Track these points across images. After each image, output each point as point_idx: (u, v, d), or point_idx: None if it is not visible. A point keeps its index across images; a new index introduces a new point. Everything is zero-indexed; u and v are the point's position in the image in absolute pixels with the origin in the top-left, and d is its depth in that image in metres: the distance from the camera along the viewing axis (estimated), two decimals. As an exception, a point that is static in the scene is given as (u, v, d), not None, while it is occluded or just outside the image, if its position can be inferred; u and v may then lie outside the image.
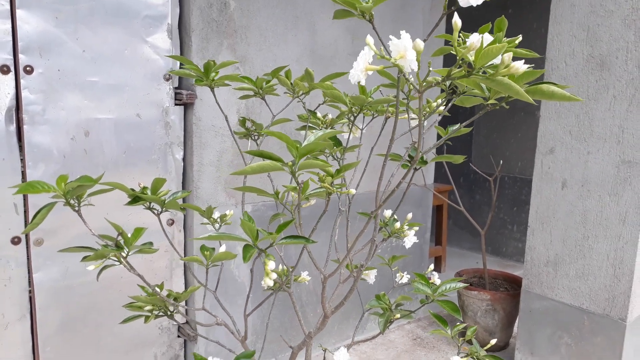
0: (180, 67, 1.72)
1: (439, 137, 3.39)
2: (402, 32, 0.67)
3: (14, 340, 1.54)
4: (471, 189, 4.15)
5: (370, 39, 0.73)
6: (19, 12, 1.41)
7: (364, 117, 1.21)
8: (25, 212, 1.51)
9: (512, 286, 2.52)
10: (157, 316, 1.04)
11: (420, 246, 2.65)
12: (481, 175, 3.94)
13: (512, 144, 3.80)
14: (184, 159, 1.82)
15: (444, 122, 4.15)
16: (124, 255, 0.88)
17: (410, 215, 1.26)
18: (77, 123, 1.56)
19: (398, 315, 1.16)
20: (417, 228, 1.22)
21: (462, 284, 1.08)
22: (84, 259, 0.86)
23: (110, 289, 1.70)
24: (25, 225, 1.52)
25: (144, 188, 0.93)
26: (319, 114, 1.29)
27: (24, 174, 1.49)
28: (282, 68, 1.20)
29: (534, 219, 2.06)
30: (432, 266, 1.44)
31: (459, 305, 2.46)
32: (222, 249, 1.13)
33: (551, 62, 1.96)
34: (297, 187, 0.88)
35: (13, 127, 1.46)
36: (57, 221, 1.55)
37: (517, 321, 2.31)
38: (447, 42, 2.78)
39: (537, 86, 0.67)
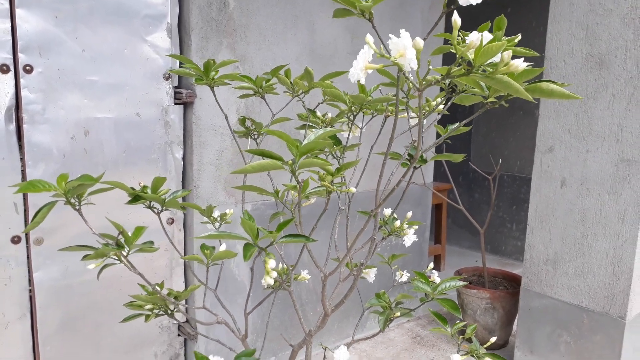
0: (180, 66, 1.73)
1: (438, 136, 3.40)
2: (402, 31, 0.67)
3: (15, 340, 1.54)
4: (470, 187, 4.15)
5: (370, 38, 0.73)
6: (18, 11, 1.41)
7: (363, 116, 1.22)
8: (25, 211, 1.51)
9: (511, 284, 2.52)
10: (157, 315, 1.05)
11: (420, 245, 2.66)
12: (480, 174, 3.95)
13: (511, 142, 3.81)
14: (183, 158, 1.82)
15: (443, 122, 4.15)
16: (125, 254, 0.88)
17: (410, 214, 1.26)
18: (76, 122, 1.56)
19: (398, 314, 1.16)
20: (416, 227, 1.22)
21: (461, 282, 1.08)
22: (85, 257, 0.87)
23: (110, 288, 1.70)
24: (25, 224, 1.52)
25: (144, 187, 0.93)
26: (318, 113, 1.29)
27: (23, 173, 1.49)
28: (281, 67, 1.20)
29: (533, 217, 2.06)
30: (431, 264, 1.44)
31: (459, 304, 2.47)
32: (223, 247, 1.13)
33: (550, 61, 1.96)
34: (298, 186, 0.88)
35: (13, 127, 1.46)
36: (57, 220, 1.55)
37: (516, 319, 2.31)
38: (446, 41, 2.78)
39: (536, 84, 0.68)
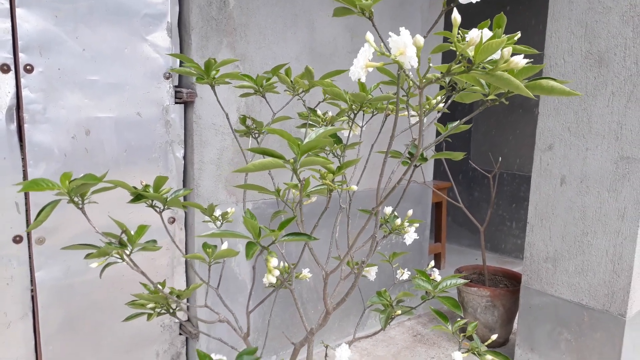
0: (180, 66, 1.73)
1: (438, 134, 3.40)
2: (402, 29, 0.68)
3: (17, 339, 1.55)
4: (470, 186, 4.16)
5: (370, 36, 0.74)
6: (18, 11, 1.41)
7: (363, 114, 1.22)
8: (27, 211, 1.52)
9: (511, 282, 2.53)
10: (159, 314, 1.05)
11: (420, 243, 2.66)
12: (480, 172, 3.95)
13: (510, 140, 3.81)
14: (184, 157, 1.82)
15: (443, 121, 4.15)
16: (128, 252, 0.88)
17: (410, 212, 1.27)
18: (77, 122, 1.56)
19: (399, 312, 1.16)
20: (417, 225, 1.23)
21: (462, 280, 1.09)
22: (87, 256, 0.87)
23: (111, 288, 1.71)
24: (27, 224, 1.52)
25: (146, 186, 0.94)
26: (319, 112, 1.29)
27: (25, 172, 1.49)
28: (282, 66, 1.20)
29: (533, 215, 2.07)
30: (432, 262, 1.44)
31: (459, 302, 2.47)
32: (224, 246, 1.14)
33: (549, 59, 1.97)
34: (299, 184, 0.89)
35: (14, 126, 1.46)
36: (58, 220, 1.56)
37: (516, 317, 2.32)
38: (445, 40, 2.78)
39: (536, 81, 0.68)
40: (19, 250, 1.51)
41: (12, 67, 1.43)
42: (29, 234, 1.52)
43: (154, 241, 0.92)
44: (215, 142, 1.84)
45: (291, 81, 1.21)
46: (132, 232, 0.91)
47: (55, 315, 1.60)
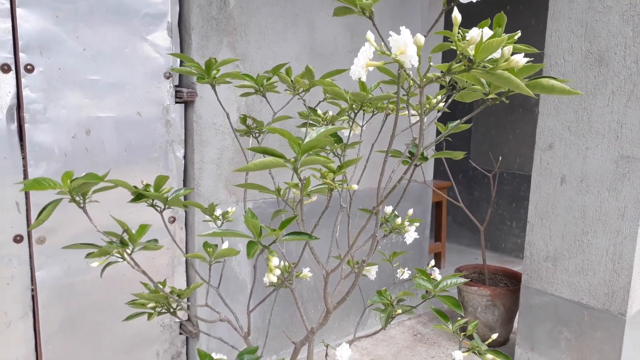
0: (180, 65, 1.73)
1: (438, 133, 3.40)
2: (402, 28, 0.68)
3: (17, 339, 1.55)
4: (470, 185, 4.16)
5: (370, 35, 0.74)
6: (19, 11, 1.41)
7: (364, 114, 1.22)
8: (27, 210, 1.52)
9: (511, 282, 2.53)
10: (160, 313, 1.05)
11: (420, 242, 2.66)
12: (480, 171, 3.95)
13: (510, 140, 3.81)
14: (184, 157, 1.82)
15: (443, 120, 4.16)
16: (129, 252, 0.88)
17: (411, 211, 1.27)
18: (78, 121, 1.56)
19: (400, 311, 1.16)
20: (417, 224, 1.23)
21: (462, 280, 1.09)
22: (88, 255, 0.87)
23: (112, 287, 1.71)
24: (28, 223, 1.52)
25: (147, 185, 0.94)
26: (319, 111, 1.30)
27: (25, 172, 1.49)
28: (282, 65, 1.20)
29: (533, 214, 2.07)
30: (432, 262, 1.44)
31: (459, 302, 2.47)
32: (225, 245, 1.14)
33: (550, 58, 1.97)
34: (299, 184, 0.89)
35: (14, 126, 1.46)
36: (59, 220, 1.56)
37: (517, 316, 2.32)
38: (445, 39, 2.78)
39: (536, 80, 0.68)
40: (19, 249, 1.51)
41: (13, 67, 1.43)
42: (29, 234, 1.52)
43: (155, 240, 0.92)
44: (215, 142, 1.84)
45: (291, 81, 1.21)
46: (133, 232, 0.91)
47: (55, 314, 1.60)
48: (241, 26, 1.84)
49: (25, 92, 1.45)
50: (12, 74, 1.43)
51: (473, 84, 0.80)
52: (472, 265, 2.68)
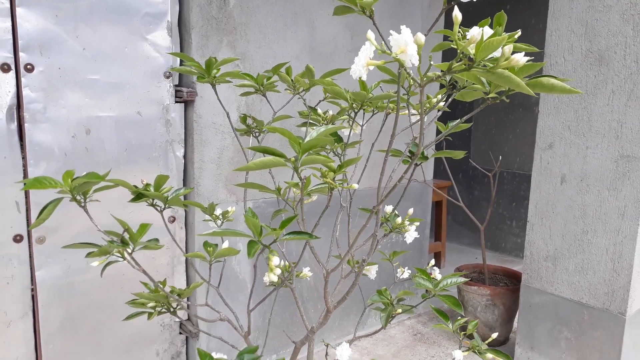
0: (180, 65, 1.73)
1: (438, 133, 3.40)
2: (403, 27, 0.68)
3: (17, 338, 1.55)
4: (470, 184, 4.16)
5: (371, 34, 0.74)
6: (19, 10, 1.41)
7: (364, 113, 1.22)
8: (27, 210, 1.52)
9: (511, 281, 2.53)
10: (160, 313, 1.05)
11: (420, 242, 2.66)
12: (480, 171, 3.95)
13: (510, 139, 3.81)
14: (184, 157, 1.82)
15: (443, 119, 4.16)
16: (129, 251, 0.88)
17: (411, 211, 1.27)
18: (78, 121, 1.56)
19: (400, 310, 1.16)
20: (417, 223, 1.23)
21: (462, 279, 1.09)
22: (89, 255, 0.87)
23: (112, 287, 1.71)
24: (28, 223, 1.52)
25: (147, 185, 0.94)
26: (319, 111, 1.29)
27: (25, 172, 1.49)
28: (283, 64, 1.20)
29: (533, 214, 2.07)
30: (432, 261, 1.45)
31: (459, 301, 2.47)
32: (225, 245, 1.14)
33: (550, 58, 1.97)
34: (300, 183, 0.89)
35: (14, 126, 1.46)
36: (59, 219, 1.56)
37: (517, 316, 2.32)
38: (445, 38, 2.78)
39: (537, 79, 0.68)
40: (19, 249, 1.51)
41: (13, 67, 1.43)
42: (29, 233, 1.52)
43: (156, 240, 0.92)
44: (215, 141, 1.84)
45: (292, 80, 1.21)
46: (133, 231, 0.91)
47: (55, 314, 1.60)
48: (241, 25, 1.84)
49: (25, 92, 1.45)
50: (12, 73, 1.43)
51: (473, 83, 0.80)
52: (472, 265, 2.68)
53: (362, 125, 1.26)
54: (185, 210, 1.86)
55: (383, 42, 0.72)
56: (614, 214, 1.81)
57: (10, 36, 1.42)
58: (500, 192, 3.88)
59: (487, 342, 1.15)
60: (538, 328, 2.07)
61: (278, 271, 0.88)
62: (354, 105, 1.14)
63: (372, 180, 2.33)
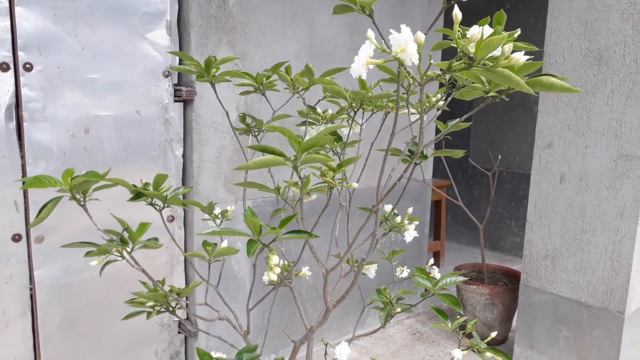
0: (180, 64, 1.73)
1: (437, 132, 3.40)
2: (403, 26, 0.67)
3: (16, 338, 1.55)
4: (469, 184, 4.16)
5: (371, 33, 0.74)
6: (17, 9, 1.41)
7: (363, 112, 1.22)
8: (26, 209, 1.52)
9: (510, 280, 2.53)
10: (159, 312, 1.05)
11: (419, 241, 2.66)
12: (479, 170, 3.95)
13: (510, 139, 3.81)
14: (183, 156, 1.82)
15: (442, 118, 4.15)
16: (129, 250, 0.88)
17: (411, 210, 1.27)
18: (77, 120, 1.56)
19: (399, 309, 1.16)
20: (417, 222, 1.23)
21: (462, 278, 1.09)
22: (88, 254, 0.87)
23: (110, 286, 1.71)
24: (26, 222, 1.52)
25: (146, 184, 0.94)
26: (319, 110, 1.29)
27: (24, 171, 1.49)
28: (282, 64, 1.20)
29: (532, 213, 2.07)
30: (432, 260, 1.45)
31: (458, 300, 2.48)
32: (224, 244, 1.14)
33: (549, 57, 1.97)
34: (299, 182, 0.89)
35: (13, 125, 1.46)
36: (57, 218, 1.56)
37: (515, 315, 2.32)
38: (445, 37, 2.78)
39: (537, 78, 0.68)
40: (18, 248, 1.51)
41: (12, 66, 1.43)
42: (28, 233, 1.52)
43: (156, 239, 0.92)
44: (214, 141, 1.84)
45: (291, 79, 1.21)
46: (132, 230, 0.91)
47: (54, 313, 1.60)
48: (240, 24, 1.84)
49: (24, 91, 1.45)
50: (11, 72, 1.43)
51: (473, 82, 0.80)
52: (471, 264, 2.69)
53: (361, 125, 1.26)
54: (184, 210, 1.86)
55: (383, 41, 0.72)
56: (613, 213, 1.81)
57: (9, 35, 1.41)
58: (500, 191, 3.88)
59: (486, 341, 1.15)
60: (537, 327, 2.08)
61: (278, 270, 0.88)
62: (353, 104, 1.14)
63: (371, 179, 2.33)
